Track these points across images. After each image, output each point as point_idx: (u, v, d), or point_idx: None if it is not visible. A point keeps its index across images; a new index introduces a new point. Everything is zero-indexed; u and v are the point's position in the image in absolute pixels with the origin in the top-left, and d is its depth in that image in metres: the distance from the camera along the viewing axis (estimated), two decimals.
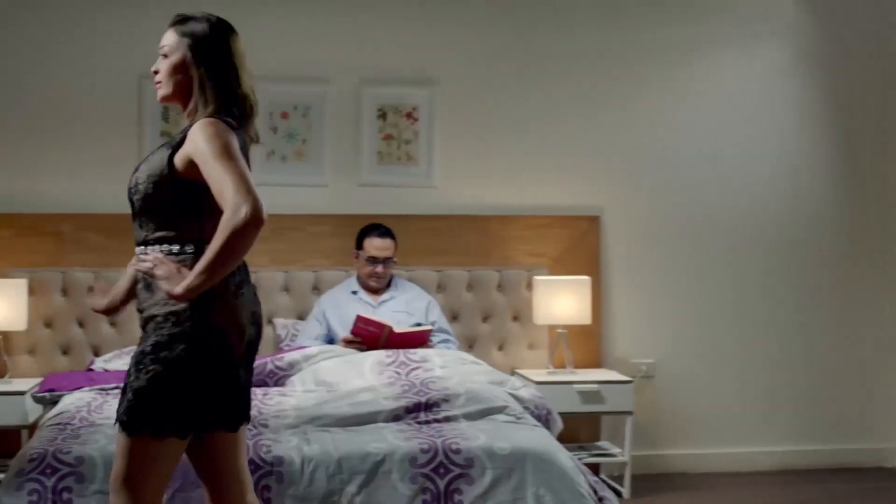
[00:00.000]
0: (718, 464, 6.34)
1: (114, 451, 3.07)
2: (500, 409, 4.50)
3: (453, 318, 6.06)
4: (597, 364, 6.18)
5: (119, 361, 5.39)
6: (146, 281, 3.04)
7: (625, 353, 6.30)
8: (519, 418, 4.46)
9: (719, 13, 6.40)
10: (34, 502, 3.69)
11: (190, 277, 2.84)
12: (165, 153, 3.02)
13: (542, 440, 4.16)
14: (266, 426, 4.18)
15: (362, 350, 5.26)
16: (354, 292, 5.67)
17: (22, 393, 5.24)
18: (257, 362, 5.02)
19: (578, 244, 6.19)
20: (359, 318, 5.31)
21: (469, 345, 6.06)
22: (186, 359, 2.96)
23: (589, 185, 6.29)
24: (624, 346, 6.31)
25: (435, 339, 5.56)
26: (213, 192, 2.86)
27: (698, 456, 6.34)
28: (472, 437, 4.09)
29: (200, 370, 2.98)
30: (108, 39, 5.92)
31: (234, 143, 2.94)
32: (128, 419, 2.97)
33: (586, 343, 6.14)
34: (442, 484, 3.92)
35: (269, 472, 3.84)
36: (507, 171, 6.22)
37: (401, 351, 5.13)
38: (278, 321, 5.88)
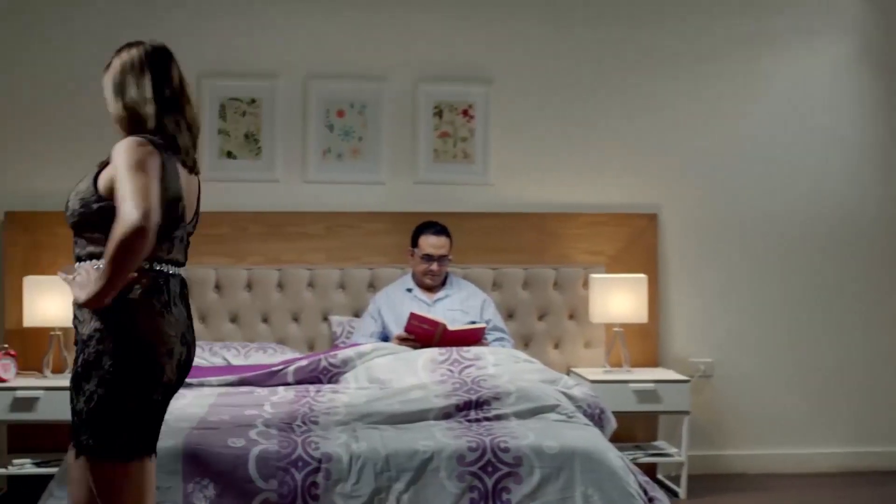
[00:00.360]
0: (777, 465, 6.26)
1: None
2: (552, 408, 4.47)
3: (509, 316, 6.04)
4: (654, 363, 6.12)
5: None
6: None
7: (683, 352, 6.24)
8: (570, 417, 4.43)
9: (780, 9, 6.30)
10: None
11: (91, 285, 2.91)
12: (93, 174, 3.11)
13: (591, 439, 4.12)
14: (316, 423, 4.19)
15: (416, 347, 5.26)
16: (409, 290, 5.67)
17: None
18: (311, 358, 5.09)
19: (636, 242, 6.14)
20: (412, 316, 5.31)
21: (525, 343, 6.04)
22: (116, 375, 2.99)
23: (647, 182, 6.23)
24: (682, 346, 6.25)
25: (490, 337, 5.55)
26: (117, 203, 2.91)
27: (757, 457, 6.26)
28: (521, 435, 4.06)
29: (131, 387, 3.01)
30: (167, 39, 5.94)
31: (150, 159, 2.98)
32: (75, 442, 3.04)
33: (643, 342, 6.09)
34: (490, 482, 3.90)
35: (317, 468, 3.84)
36: (564, 169, 6.19)
37: (454, 349, 5.13)
38: (334, 318, 5.91)
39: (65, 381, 5.44)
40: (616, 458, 4.02)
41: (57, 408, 5.33)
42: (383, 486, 3.86)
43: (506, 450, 3.96)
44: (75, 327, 3.11)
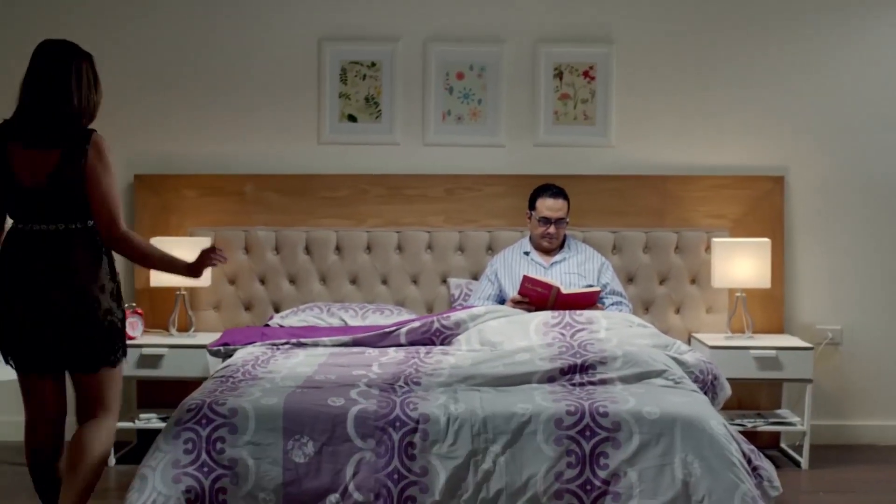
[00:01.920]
0: None
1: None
2: (659, 373, 4.39)
3: (629, 280, 5.97)
4: (779, 329, 5.96)
5: (294, 318, 5.54)
6: None
7: (810, 318, 6.07)
8: (677, 383, 4.35)
9: None
10: (189, 451, 3.84)
11: None
12: None
13: (694, 406, 4.03)
14: (418, 384, 4.22)
15: (530, 310, 5.24)
16: (527, 253, 5.65)
17: (204, 346, 5.46)
18: (424, 320, 5.12)
19: (761, 205, 5.98)
20: (525, 279, 5.29)
21: (645, 308, 5.96)
22: None
23: (772, 144, 6.06)
24: (809, 312, 6.08)
25: (607, 301, 5.50)
26: None
27: (886, 427, 6.07)
28: (622, 400, 4.00)
29: None
30: (288, 2, 6.06)
31: None
32: None
33: (768, 307, 5.94)
34: (587, 447, 3.85)
35: (414, 429, 3.86)
36: (687, 130, 6.07)
37: (567, 312, 5.08)
38: (452, 281, 5.93)
39: (190, 339, 5.63)
40: (718, 425, 3.93)
41: (181, 365, 5.52)
42: (480, 448, 3.86)
43: (604, 414, 3.91)
44: None
